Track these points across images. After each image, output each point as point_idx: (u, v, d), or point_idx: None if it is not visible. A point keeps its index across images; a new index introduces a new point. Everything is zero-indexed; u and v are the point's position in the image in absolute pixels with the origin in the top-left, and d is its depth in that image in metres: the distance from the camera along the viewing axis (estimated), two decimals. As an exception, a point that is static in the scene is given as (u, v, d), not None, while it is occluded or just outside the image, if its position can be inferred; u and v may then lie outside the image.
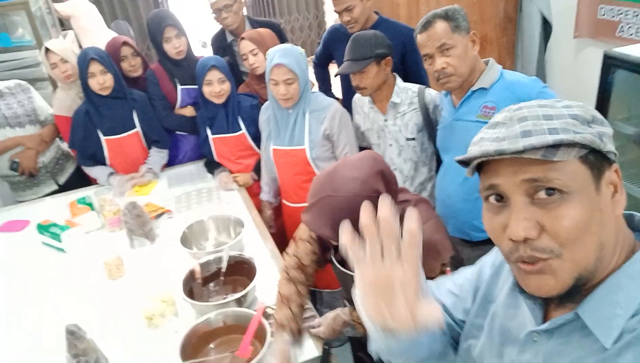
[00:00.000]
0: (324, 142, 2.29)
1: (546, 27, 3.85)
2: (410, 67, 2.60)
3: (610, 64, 2.08)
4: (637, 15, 3.14)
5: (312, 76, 3.14)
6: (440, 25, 1.79)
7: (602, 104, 2.14)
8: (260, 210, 2.55)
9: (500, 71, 1.86)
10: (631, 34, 3.21)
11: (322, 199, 1.31)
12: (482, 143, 0.73)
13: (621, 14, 3.25)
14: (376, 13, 2.67)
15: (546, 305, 0.81)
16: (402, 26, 2.64)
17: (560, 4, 3.68)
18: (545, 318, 0.81)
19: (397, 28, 2.60)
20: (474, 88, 1.86)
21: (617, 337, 0.68)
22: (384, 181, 1.33)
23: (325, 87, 3.16)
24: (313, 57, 3.10)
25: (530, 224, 0.68)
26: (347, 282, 1.62)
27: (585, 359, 0.72)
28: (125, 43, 2.78)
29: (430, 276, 1.43)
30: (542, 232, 0.68)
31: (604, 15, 3.37)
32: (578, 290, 0.70)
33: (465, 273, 1.03)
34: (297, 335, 1.58)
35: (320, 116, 2.27)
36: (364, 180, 1.29)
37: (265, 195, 2.61)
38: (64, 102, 2.76)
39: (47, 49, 2.62)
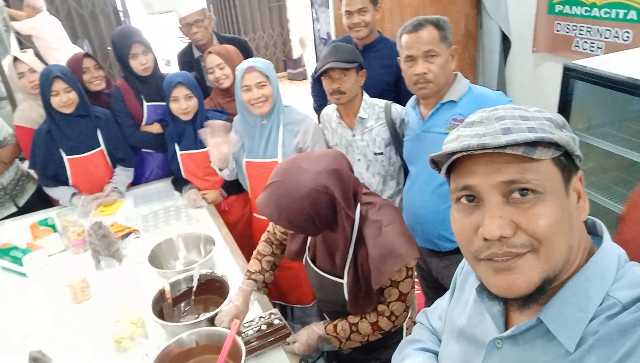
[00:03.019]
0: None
1: (505, 43, 3.99)
2: (405, 90, 2.60)
3: (570, 76, 2.16)
4: (590, 31, 3.29)
5: (304, 96, 3.14)
6: (431, 32, 1.80)
7: (563, 115, 2.20)
8: (230, 226, 2.51)
9: (468, 85, 1.90)
10: (585, 48, 3.36)
11: (273, 183, 1.36)
12: (461, 139, 0.73)
13: (575, 29, 3.40)
14: (377, 31, 2.68)
15: (507, 311, 0.82)
16: None
17: (519, 20, 3.82)
18: (507, 326, 0.82)
19: (397, 47, 2.61)
20: (443, 101, 1.89)
21: (580, 340, 0.69)
22: (338, 180, 1.36)
23: (322, 103, 3.16)
24: (313, 73, 3.13)
25: (505, 222, 0.69)
26: (315, 282, 1.63)
27: None
28: (87, 55, 2.74)
29: (394, 280, 1.44)
30: (517, 230, 0.69)
31: (559, 31, 3.51)
32: (543, 291, 0.71)
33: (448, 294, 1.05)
34: (262, 286, 1.75)
35: (293, 129, 2.27)
36: (316, 173, 1.33)
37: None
38: (28, 113, 2.69)
39: (15, 58, 2.63)
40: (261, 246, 1.80)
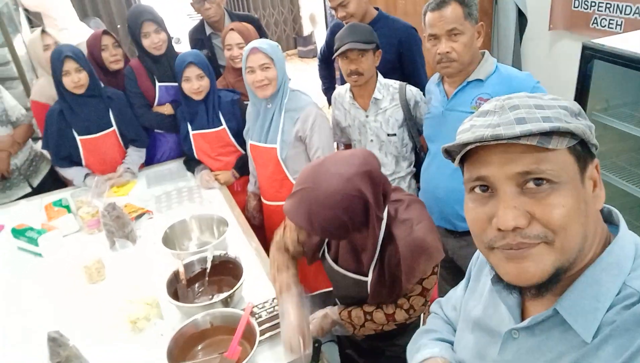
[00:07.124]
0: (296, 143, 2.24)
1: (521, 20, 3.89)
2: (408, 66, 2.57)
3: (589, 55, 2.10)
4: (610, 7, 3.20)
5: (314, 74, 3.13)
6: (455, 9, 1.74)
7: (581, 95, 2.17)
8: (243, 207, 2.52)
9: (496, 64, 1.85)
10: (604, 26, 3.27)
11: (302, 189, 1.28)
12: (474, 129, 0.72)
13: (594, 5, 3.30)
14: (376, 9, 2.63)
15: (523, 302, 0.82)
16: (401, 23, 2.60)
17: (535, -4, 3.72)
18: (523, 316, 0.81)
19: (397, 25, 2.57)
20: (470, 79, 1.84)
21: (597, 330, 0.69)
22: (370, 182, 1.29)
23: (330, 85, 3.13)
24: (319, 54, 3.13)
25: (519, 213, 0.68)
26: (337, 280, 1.60)
27: (566, 355, 0.72)
28: (105, 32, 2.73)
29: (422, 278, 1.43)
30: (532, 220, 0.68)
31: (577, 7, 3.42)
32: (556, 280, 0.70)
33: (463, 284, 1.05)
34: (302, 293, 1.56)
35: (294, 116, 2.22)
36: (348, 178, 1.26)
37: (251, 186, 2.60)
38: (46, 89, 2.69)
39: (43, 31, 2.70)
40: (279, 257, 1.63)
